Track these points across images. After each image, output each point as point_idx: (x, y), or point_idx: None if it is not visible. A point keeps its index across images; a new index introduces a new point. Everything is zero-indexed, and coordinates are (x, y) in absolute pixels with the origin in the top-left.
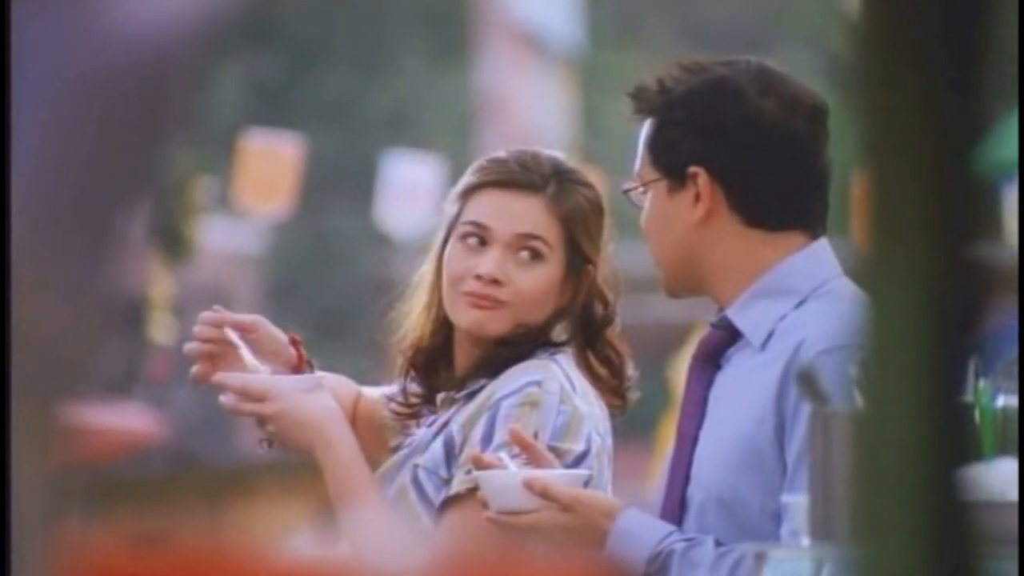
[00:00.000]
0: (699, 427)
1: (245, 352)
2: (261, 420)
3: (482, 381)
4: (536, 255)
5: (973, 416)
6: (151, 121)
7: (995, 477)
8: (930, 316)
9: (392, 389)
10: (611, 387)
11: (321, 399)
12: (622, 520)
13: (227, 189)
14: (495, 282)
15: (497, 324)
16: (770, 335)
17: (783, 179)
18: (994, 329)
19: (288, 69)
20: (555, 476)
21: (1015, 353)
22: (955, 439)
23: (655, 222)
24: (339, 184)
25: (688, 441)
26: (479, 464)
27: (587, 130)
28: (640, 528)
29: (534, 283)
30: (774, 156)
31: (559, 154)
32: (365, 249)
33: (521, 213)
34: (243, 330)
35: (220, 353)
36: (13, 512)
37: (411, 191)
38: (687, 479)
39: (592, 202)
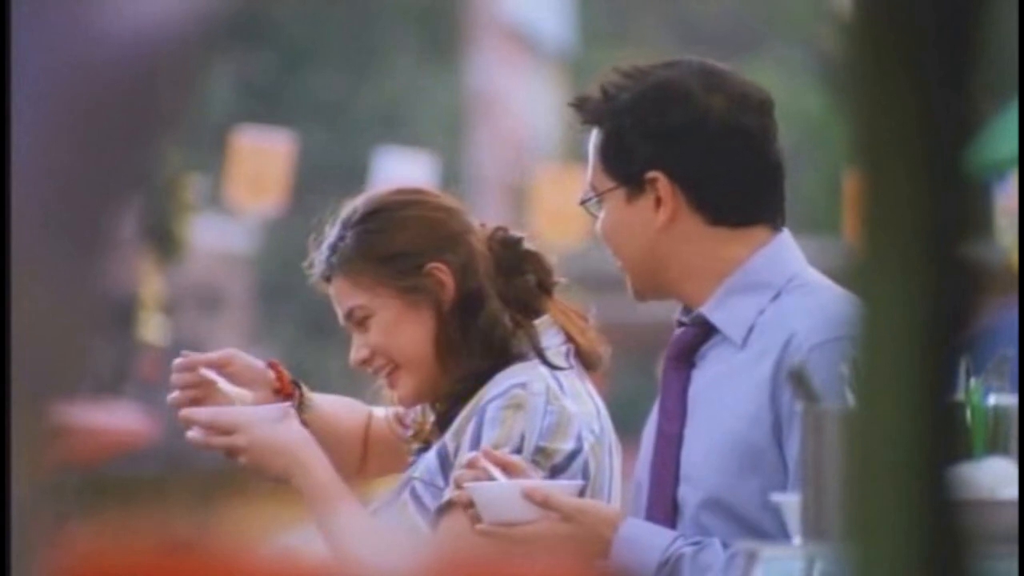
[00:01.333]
0: (682, 427)
1: (225, 385)
2: (233, 452)
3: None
4: (363, 320)
5: (964, 415)
6: (142, 119)
7: (986, 476)
8: (922, 314)
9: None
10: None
11: (291, 426)
12: (625, 529)
13: (218, 188)
14: (367, 361)
15: (402, 388)
16: (750, 330)
17: (740, 176)
18: (985, 327)
19: (279, 68)
20: (551, 486)
21: (1007, 351)
22: (946, 437)
23: (616, 230)
24: (330, 183)
25: (672, 441)
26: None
27: (568, 122)
28: (645, 535)
29: (376, 337)
30: (728, 153)
31: (350, 207)
32: None
33: (336, 299)
34: (218, 366)
35: (202, 395)
36: (12, 512)
37: None
38: (676, 480)
39: (380, 224)
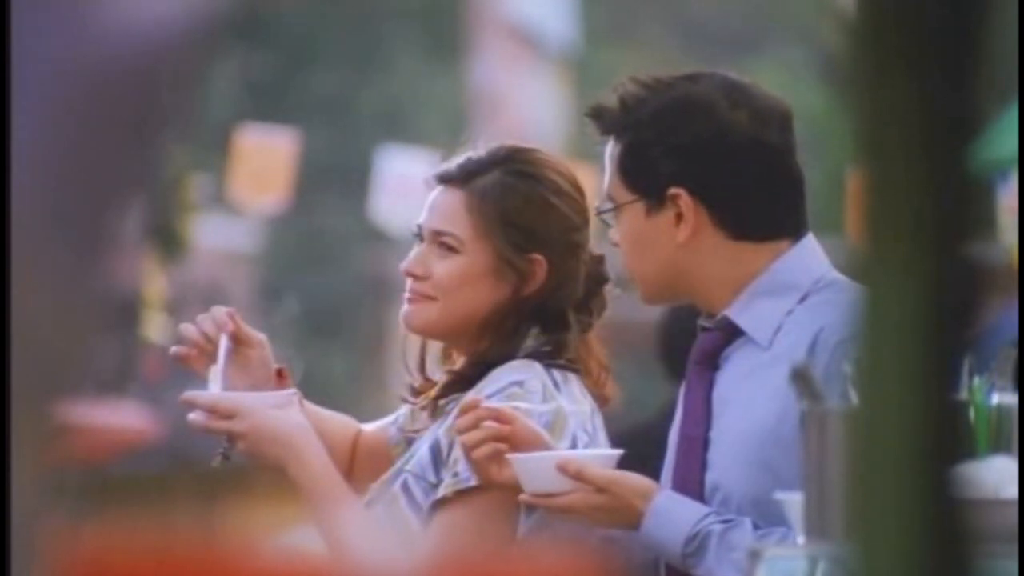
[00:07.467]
0: (707, 429)
1: (218, 365)
2: (232, 437)
3: (466, 389)
4: (449, 248)
5: (968, 413)
6: (145, 118)
7: (990, 475)
8: (925, 313)
9: (395, 416)
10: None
11: (290, 415)
12: (658, 501)
13: (221, 187)
14: (416, 277)
15: (421, 316)
16: (776, 331)
17: (763, 191)
18: (989, 326)
19: (282, 66)
20: (588, 457)
21: (1010, 348)
22: (949, 436)
23: (633, 243)
24: (333, 181)
25: (696, 444)
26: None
27: (581, 128)
28: (677, 508)
29: (447, 272)
30: (752, 169)
31: (523, 145)
32: (359, 246)
33: (440, 208)
34: (241, 343)
35: (207, 350)
36: (12, 511)
37: (405, 188)
38: (702, 484)
39: (533, 193)
